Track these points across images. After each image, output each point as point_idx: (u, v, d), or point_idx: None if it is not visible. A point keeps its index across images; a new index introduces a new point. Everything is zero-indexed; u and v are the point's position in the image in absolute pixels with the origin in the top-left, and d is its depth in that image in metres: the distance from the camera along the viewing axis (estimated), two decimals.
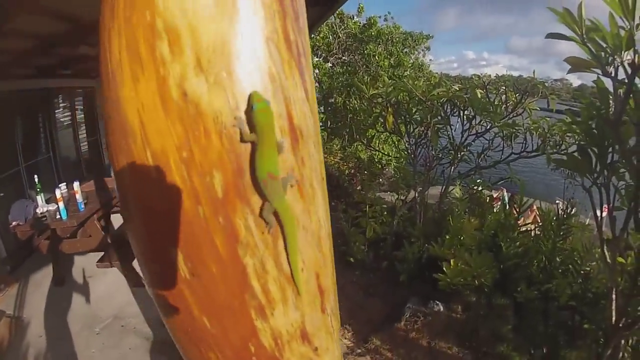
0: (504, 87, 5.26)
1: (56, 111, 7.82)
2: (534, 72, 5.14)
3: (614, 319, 2.67)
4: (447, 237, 4.23)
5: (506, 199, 8.34)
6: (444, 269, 3.85)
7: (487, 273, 3.78)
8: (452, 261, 3.85)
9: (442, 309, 4.19)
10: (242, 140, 0.74)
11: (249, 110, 0.73)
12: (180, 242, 0.78)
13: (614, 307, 2.69)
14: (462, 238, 4.18)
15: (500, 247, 4.20)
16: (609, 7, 2.09)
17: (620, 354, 2.75)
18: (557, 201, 8.90)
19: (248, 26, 0.75)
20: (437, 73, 13.83)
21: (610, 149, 2.52)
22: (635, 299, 2.66)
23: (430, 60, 14.43)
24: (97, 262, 4.64)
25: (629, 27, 2.02)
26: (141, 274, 0.98)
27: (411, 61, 12.75)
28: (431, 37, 13.38)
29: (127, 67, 0.74)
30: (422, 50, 13.67)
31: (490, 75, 5.75)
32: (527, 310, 3.69)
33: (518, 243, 4.20)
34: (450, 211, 4.99)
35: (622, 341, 2.73)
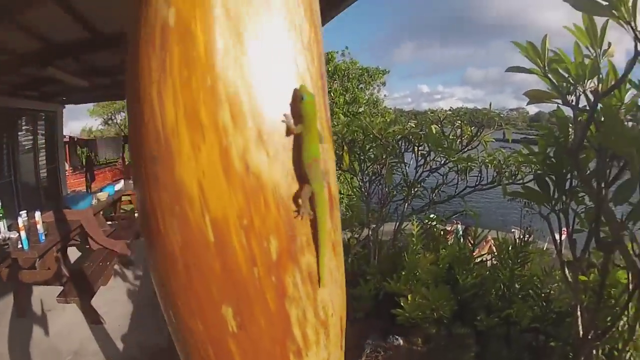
0: (459, 122, 5.35)
1: (19, 133, 7.62)
2: (490, 105, 5.31)
3: (581, 333, 2.67)
4: (403, 273, 4.29)
5: (460, 231, 8.53)
6: (402, 304, 3.92)
7: (445, 305, 3.87)
8: (409, 296, 3.93)
9: (402, 343, 4.20)
10: (289, 133, 0.81)
11: (299, 101, 0.79)
12: (233, 299, 0.83)
13: (580, 322, 2.69)
14: (418, 273, 4.23)
15: (457, 279, 4.31)
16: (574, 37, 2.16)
17: None
18: (512, 230, 9.15)
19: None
20: (391, 108, 14.10)
21: (568, 175, 2.55)
22: (602, 312, 2.67)
23: (384, 95, 14.74)
24: (57, 297, 4.52)
25: (594, 55, 2.08)
26: (170, 332, 1.01)
27: (366, 97, 13.01)
28: (387, 72, 13.71)
29: (185, 134, 0.77)
30: (377, 86, 13.95)
31: (443, 109, 5.90)
32: (489, 337, 3.78)
33: (475, 274, 4.33)
34: (405, 247, 5.04)
35: (594, 351, 2.72)
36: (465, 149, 5.23)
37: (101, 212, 7.27)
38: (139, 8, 0.80)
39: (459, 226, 8.70)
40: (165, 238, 0.86)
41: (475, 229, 5.12)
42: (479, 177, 5.21)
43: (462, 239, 7.93)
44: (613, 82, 2.19)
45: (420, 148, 5.27)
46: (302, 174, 0.83)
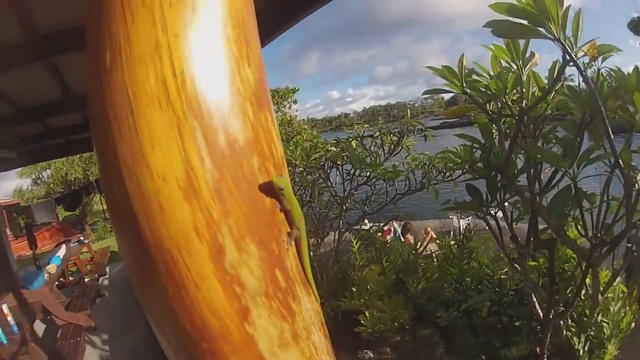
0: (378, 133, 5.22)
1: None
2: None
3: (541, 313, 2.74)
4: (354, 289, 4.19)
5: (398, 230, 8.57)
6: (362, 320, 3.84)
7: (403, 313, 3.82)
8: (367, 312, 3.85)
9: (372, 356, 4.16)
10: (283, 209, 1.08)
11: (281, 190, 1.04)
12: None
13: (537, 307, 2.77)
14: (369, 287, 4.15)
15: (407, 288, 4.26)
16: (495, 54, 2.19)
17: (564, 332, 2.77)
18: (450, 216, 9.28)
19: None
20: (304, 119, 14.10)
21: (498, 177, 2.58)
22: (561, 285, 2.80)
23: (297, 111, 14.67)
24: None
25: (516, 68, 2.11)
26: None
27: (280, 118, 12.84)
28: (297, 90, 13.68)
29: None
30: (289, 104, 13.90)
31: (356, 111, 5.78)
32: (454, 330, 3.79)
33: (425, 280, 4.29)
34: (348, 261, 4.96)
35: (562, 322, 2.75)
36: (389, 157, 5.13)
37: (55, 284, 6.86)
38: None
39: (396, 224, 8.73)
40: None
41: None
42: (407, 182, 5.13)
43: (401, 237, 7.97)
44: (536, 90, 2.25)
45: (345, 168, 5.18)
46: (294, 225, 1.14)
